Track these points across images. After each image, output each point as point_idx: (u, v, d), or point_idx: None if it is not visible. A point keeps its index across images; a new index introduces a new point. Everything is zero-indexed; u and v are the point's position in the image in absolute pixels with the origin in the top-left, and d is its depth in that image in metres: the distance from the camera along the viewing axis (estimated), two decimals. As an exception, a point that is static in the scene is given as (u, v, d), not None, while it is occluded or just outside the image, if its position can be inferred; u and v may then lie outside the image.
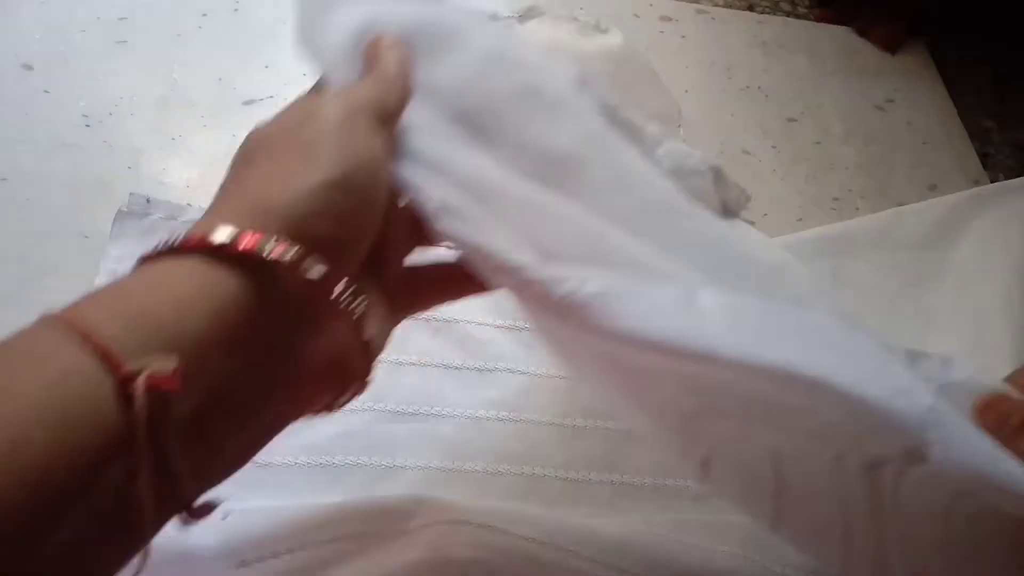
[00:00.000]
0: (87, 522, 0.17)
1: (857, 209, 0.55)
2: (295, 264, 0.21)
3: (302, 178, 0.22)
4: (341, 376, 0.24)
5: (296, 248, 0.21)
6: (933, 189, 0.58)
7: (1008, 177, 0.60)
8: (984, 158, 0.61)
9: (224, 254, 0.20)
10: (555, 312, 0.26)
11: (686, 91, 0.61)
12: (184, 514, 0.20)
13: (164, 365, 0.18)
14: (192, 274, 0.20)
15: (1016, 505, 0.24)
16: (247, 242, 0.20)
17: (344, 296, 0.22)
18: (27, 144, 0.47)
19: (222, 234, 0.20)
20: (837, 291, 0.48)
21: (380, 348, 0.24)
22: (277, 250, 0.21)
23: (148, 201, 0.45)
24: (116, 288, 0.20)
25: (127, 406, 0.17)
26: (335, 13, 0.27)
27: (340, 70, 0.27)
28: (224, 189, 0.23)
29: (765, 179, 0.56)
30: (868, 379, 0.24)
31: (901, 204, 0.54)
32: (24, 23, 0.53)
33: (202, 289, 0.20)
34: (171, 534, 0.32)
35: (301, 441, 0.39)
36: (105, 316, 0.19)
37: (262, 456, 0.37)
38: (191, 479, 0.19)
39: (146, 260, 0.21)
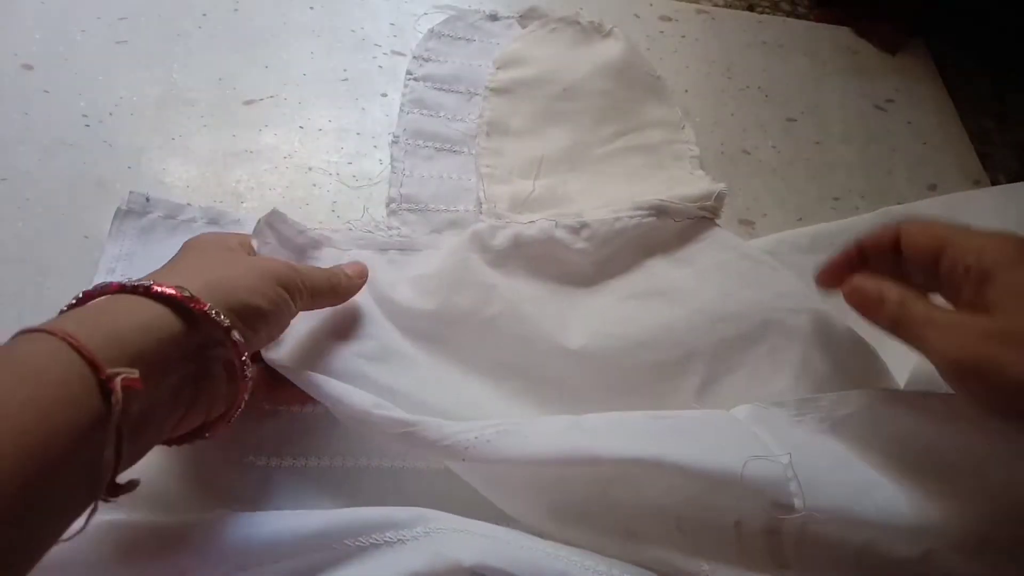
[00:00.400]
0: (69, 488, 0.24)
1: (857, 209, 0.55)
2: (228, 328, 0.30)
3: (246, 296, 0.31)
4: (210, 413, 0.32)
5: (230, 320, 0.30)
6: (933, 189, 0.58)
7: (1008, 177, 0.60)
8: (984, 158, 0.61)
9: (182, 305, 0.29)
10: (462, 457, 0.33)
11: (686, 91, 0.61)
12: (110, 491, 0.26)
13: (131, 372, 0.25)
14: (156, 313, 0.28)
15: (893, 538, 0.29)
16: (199, 304, 0.29)
17: (246, 362, 0.31)
18: (27, 144, 0.47)
19: (184, 292, 0.29)
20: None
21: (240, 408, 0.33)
22: (220, 315, 0.30)
23: (148, 199, 0.45)
24: (91, 309, 0.28)
25: (105, 398, 0.24)
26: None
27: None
28: (177, 262, 0.33)
29: (765, 179, 0.56)
30: (724, 456, 0.31)
31: (900, 204, 0.54)
32: (24, 23, 0.53)
33: (159, 322, 0.28)
34: (171, 536, 0.32)
35: (306, 444, 0.39)
36: (88, 332, 0.25)
37: (263, 459, 0.37)
38: (124, 462, 0.26)
39: (98, 292, 0.29)
